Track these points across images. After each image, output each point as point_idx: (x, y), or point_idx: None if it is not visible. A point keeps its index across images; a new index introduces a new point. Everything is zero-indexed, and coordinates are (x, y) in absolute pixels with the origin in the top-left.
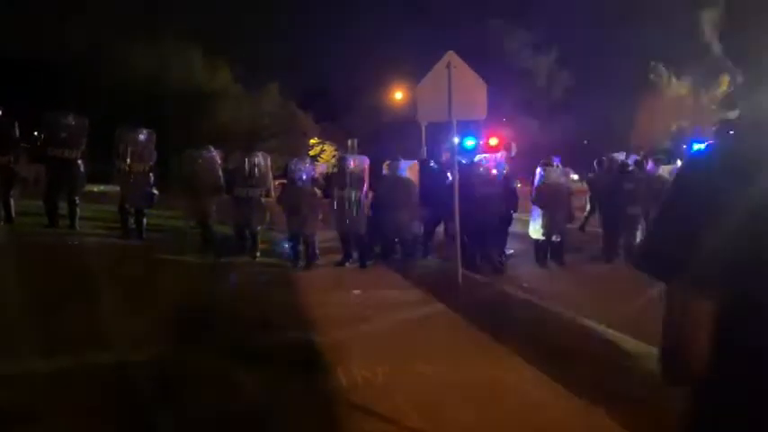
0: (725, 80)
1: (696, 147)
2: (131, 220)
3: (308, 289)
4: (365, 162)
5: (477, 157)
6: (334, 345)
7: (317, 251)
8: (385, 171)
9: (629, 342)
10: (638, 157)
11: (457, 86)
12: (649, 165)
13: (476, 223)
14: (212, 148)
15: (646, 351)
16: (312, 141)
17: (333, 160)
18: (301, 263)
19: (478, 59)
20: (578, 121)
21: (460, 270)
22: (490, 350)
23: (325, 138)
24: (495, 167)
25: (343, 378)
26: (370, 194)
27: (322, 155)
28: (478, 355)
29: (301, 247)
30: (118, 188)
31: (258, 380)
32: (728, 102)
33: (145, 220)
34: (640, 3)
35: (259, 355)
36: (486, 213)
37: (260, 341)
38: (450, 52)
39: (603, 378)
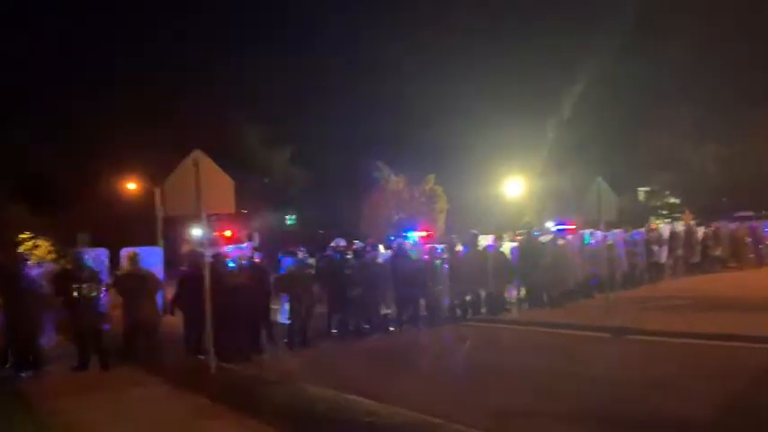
0: (431, 178)
1: (409, 234)
2: None
3: (46, 396)
4: (103, 255)
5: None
6: None
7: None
8: (124, 263)
9: (364, 403)
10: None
11: (205, 183)
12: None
13: (227, 313)
14: None
15: (386, 411)
16: (22, 236)
17: (50, 256)
18: (27, 372)
19: (217, 154)
20: (315, 212)
21: (213, 361)
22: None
23: (42, 232)
24: (242, 257)
25: None
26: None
27: (35, 251)
28: None
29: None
30: None
31: None
32: (434, 195)
33: None
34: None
35: None
36: (237, 303)
37: None
38: (197, 151)
39: None
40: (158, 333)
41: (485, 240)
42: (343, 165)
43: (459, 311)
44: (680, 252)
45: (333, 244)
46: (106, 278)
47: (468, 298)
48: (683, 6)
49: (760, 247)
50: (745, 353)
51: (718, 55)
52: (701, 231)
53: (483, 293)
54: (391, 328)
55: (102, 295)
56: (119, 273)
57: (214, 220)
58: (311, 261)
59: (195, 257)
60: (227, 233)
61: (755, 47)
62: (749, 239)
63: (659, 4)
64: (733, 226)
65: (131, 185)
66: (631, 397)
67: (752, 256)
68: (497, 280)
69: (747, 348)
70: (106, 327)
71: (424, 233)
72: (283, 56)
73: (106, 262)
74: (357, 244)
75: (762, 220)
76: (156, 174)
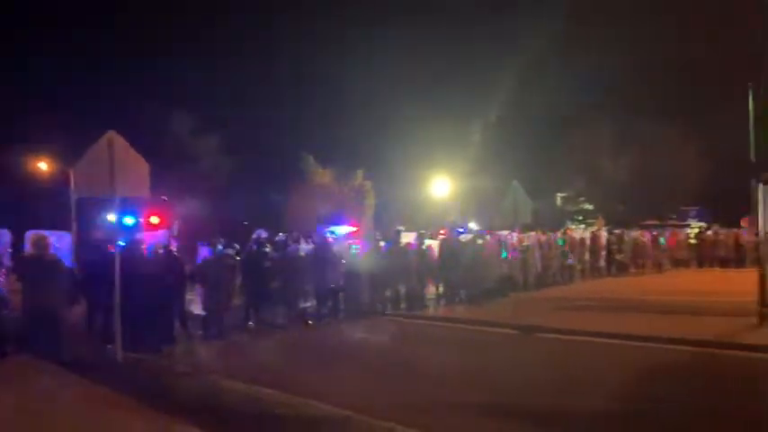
0: (360, 173)
1: (332, 229)
2: None
3: None
4: (5, 237)
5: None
6: None
7: None
8: (28, 247)
9: (275, 395)
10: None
11: (119, 164)
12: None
13: (136, 302)
14: None
15: (296, 403)
16: None
17: None
18: None
19: (140, 139)
20: (240, 203)
21: (120, 351)
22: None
23: None
24: (157, 245)
25: None
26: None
27: None
28: None
29: None
30: None
31: None
32: (362, 191)
33: None
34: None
35: None
36: (148, 292)
37: None
38: (112, 131)
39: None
40: (63, 320)
41: (407, 238)
42: (270, 155)
43: (378, 306)
44: (587, 256)
45: (254, 235)
46: (8, 261)
47: (387, 293)
48: (608, 18)
49: (662, 252)
50: (642, 351)
51: (638, 67)
52: (604, 237)
53: (402, 289)
54: (310, 322)
55: (2, 280)
56: (21, 256)
57: (140, 205)
58: (231, 251)
59: (105, 243)
60: (155, 220)
61: (672, 62)
62: (650, 246)
63: (585, 15)
64: (636, 233)
65: (43, 165)
66: (537, 390)
67: (652, 261)
68: (418, 277)
69: (644, 347)
70: (5, 312)
71: (351, 228)
72: (211, 45)
73: (9, 244)
74: (280, 236)
75: (665, 228)
76: (73, 156)
